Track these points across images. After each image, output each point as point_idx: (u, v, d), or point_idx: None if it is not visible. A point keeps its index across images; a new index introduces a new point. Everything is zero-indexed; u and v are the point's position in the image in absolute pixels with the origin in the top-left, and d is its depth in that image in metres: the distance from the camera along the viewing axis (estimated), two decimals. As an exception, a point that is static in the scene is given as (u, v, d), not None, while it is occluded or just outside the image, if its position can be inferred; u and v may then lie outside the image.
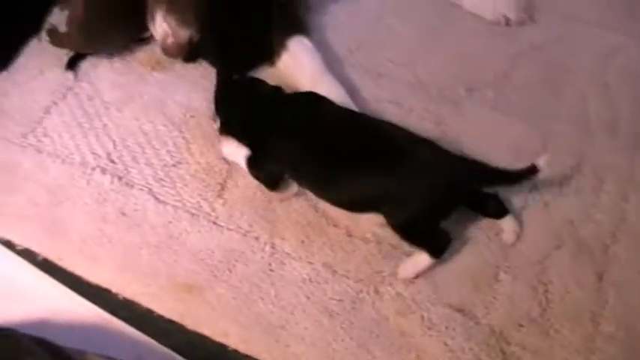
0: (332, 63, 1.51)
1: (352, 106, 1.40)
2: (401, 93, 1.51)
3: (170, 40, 1.41)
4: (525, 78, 1.56)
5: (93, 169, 1.40)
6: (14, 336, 1.01)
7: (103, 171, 1.39)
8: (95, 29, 1.51)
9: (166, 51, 1.43)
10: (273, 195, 1.34)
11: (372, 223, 1.32)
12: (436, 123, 1.46)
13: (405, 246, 1.28)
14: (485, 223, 1.32)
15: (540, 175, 1.27)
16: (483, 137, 1.44)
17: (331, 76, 1.46)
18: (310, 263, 1.28)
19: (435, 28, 1.65)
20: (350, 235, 1.31)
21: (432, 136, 1.38)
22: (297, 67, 1.45)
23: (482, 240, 1.31)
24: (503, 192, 1.33)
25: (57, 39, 1.55)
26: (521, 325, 1.23)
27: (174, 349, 1.21)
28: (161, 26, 1.41)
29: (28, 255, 1.32)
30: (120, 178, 1.38)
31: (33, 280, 1.30)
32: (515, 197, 1.36)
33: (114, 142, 1.44)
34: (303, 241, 1.29)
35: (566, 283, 1.27)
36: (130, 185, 1.37)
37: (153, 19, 1.42)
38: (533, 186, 1.37)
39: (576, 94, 1.54)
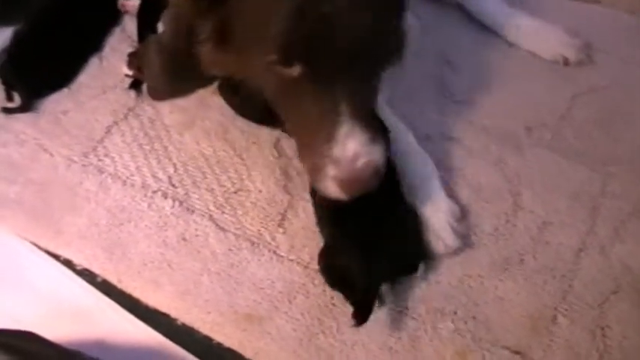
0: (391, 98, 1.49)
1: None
2: (462, 131, 1.50)
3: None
4: (583, 119, 1.56)
5: (154, 192, 1.41)
6: (83, 359, 1.01)
7: (165, 195, 1.40)
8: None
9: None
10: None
11: (432, 260, 1.32)
12: (495, 162, 1.46)
13: (464, 282, 1.29)
14: (542, 263, 1.32)
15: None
16: (542, 179, 1.44)
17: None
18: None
19: (495, 66, 1.65)
20: (410, 274, 1.30)
21: (491, 174, 1.40)
22: None
23: (539, 281, 1.30)
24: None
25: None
26: (579, 371, 1.21)
27: (232, 378, 1.20)
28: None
29: (87, 276, 1.33)
30: (181, 203, 1.39)
31: (92, 302, 1.30)
32: (572, 239, 1.35)
33: (174, 165, 1.44)
34: (363, 276, 1.28)
35: (624, 329, 1.26)
36: (190, 210, 1.38)
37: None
38: (590, 229, 1.36)
39: (634, 137, 1.53)
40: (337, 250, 1.23)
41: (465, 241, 1.33)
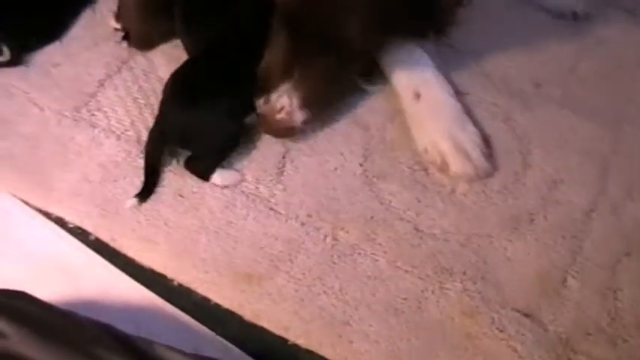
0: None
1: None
2: (469, 83, 1.44)
3: (282, 116, 1.28)
4: (592, 74, 1.50)
5: (149, 147, 1.34)
6: (77, 319, 0.96)
7: (162, 151, 1.33)
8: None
9: (269, 125, 1.31)
10: (336, 182, 1.29)
11: (441, 217, 1.27)
12: (505, 119, 1.40)
13: (473, 241, 1.24)
14: (552, 223, 1.28)
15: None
16: (552, 136, 1.39)
17: None
18: (375, 259, 1.22)
19: (502, 18, 1.59)
20: (417, 230, 1.25)
21: (500, 131, 1.36)
22: None
23: (550, 242, 1.25)
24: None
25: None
26: (588, 334, 1.18)
27: (231, 340, 1.17)
28: (279, 100, 1.27)
29: (80, 234, 1.28)
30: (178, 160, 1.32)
31: (85, 260, 1.26)
32: (583, 198, 1.31)
33: (171, 119, 1.37)
34: (367, 235, 1.24)
35: (636, 292, 1.22)
36: (187, 166, 1.31)
37: (270, 88, 1.28)
38: (601, 189, 1.32)
39: (647, 92, 1.46)
40: None
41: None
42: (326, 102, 1.34)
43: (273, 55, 1.29)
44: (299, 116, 1.28)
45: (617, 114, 1.44)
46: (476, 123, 1.36)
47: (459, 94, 1.41)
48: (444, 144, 1.30)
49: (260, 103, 1.28)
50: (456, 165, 1.29)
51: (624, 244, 1.27)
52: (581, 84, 1.48)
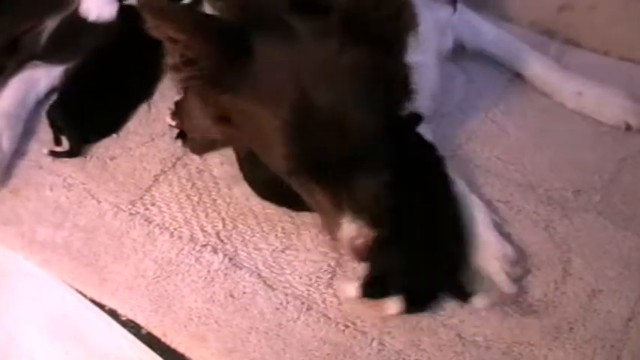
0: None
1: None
2: (510, 192, 1.49)
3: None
4: (631, 183, 1.54)
5: (203, 246, 1.40)
6: None
7: (213, 249, 1.40)
8: None
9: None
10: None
11: (483, 325, 1.30)
12: (544, 227, 1.44)
13: (514, 349, 1.27)
14: (591, 332, 1.30)
15: None
16: (591, 244, 1.42)
17: None
18: (420, 364, 1.25)
19: (544, 126, 1.65)
20: (460, 337, 1.28)
21: (540, 238, 1.40)
22: None
23: (589, 351, 1.29)
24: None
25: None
26: None
27: None
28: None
29: (132, 327, 1.32)
30: (230, 259, 1.38)
31: (136, 354, 1.30)
32: (622, 308, 1.34)
33: (223, 220, 1.44)
34: (412, 341, 1.27)
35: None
36: (238, 267, 1.37)
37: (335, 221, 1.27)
38: (639, 298, 1.34)
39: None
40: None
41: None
42: None
43: None
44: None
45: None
46: (516, 232, 1.41)
47: (499, 202, 1.47)
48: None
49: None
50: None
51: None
52: (620, 193, 1.52)
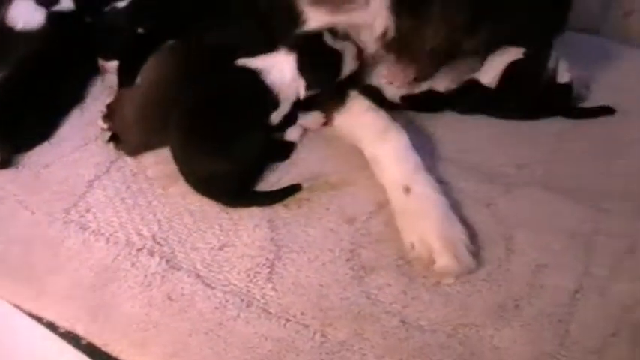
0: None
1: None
2: (451, 174, 1.48)
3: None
4: (574, 152, 1.54)
5: (139, 249, 1.37)
6: None
7: (150, 252, 1.37)
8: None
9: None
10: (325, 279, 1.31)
11: (427, 309, 1.28)
12: (486, 204, 1.42)
13: (460, 331, 1.25)
14: (538, 308, 1.29)
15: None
16: (535, 218, 1.41)
17: None
18: (363, 354, 1.23)
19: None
20: (404, 323, 1.27)
21: (482, 217, 1.38)
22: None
23: (536, 327, 1.27)
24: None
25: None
26: (579, 419, 1.17)
27: None
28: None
29: (72, 338, 1.29)
30: (167, 261, 1.35)
31: (77, 365, 1.26)
32: (568, 281, 1.32)
33: (159, 221, 1.41)
34: (355, 330, 1.25)
35: (624, 374, 1.21)
36: (176, 268, 1.34)
37: None
38: (585, 269, 1.33)
39: (627, 169, 1.50)
40: None
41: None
42: None
43: None
44: None
45: (598, 192, 1.46)
46: (459, 213, 1.38)
47: (441, 184, 1.43)
48: (434, 242, 1.32)
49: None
50: (443, 262, 1.31)
51: (610, 325, 1.27)
52: (562, 163, 1.51)
